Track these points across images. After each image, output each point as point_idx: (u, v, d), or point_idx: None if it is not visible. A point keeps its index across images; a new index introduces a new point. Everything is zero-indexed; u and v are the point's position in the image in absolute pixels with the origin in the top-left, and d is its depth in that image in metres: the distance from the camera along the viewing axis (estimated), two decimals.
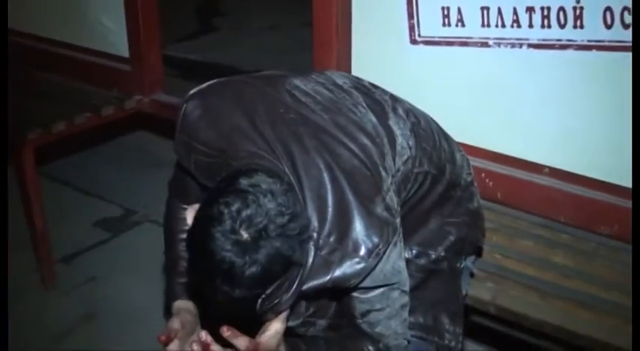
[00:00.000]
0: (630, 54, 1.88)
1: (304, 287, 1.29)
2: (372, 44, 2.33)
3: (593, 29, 1.95)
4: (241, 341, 1.26)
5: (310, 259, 1.28)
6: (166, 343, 1.45)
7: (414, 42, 2.24)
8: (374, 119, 1.46)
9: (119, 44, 3.00)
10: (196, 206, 1.26)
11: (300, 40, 2.49)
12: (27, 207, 2.85)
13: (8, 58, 2.72)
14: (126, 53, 2.99)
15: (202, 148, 1.41)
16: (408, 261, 1.48)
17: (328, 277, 1.30)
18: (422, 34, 2.23)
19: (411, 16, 2.21)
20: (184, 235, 1.58)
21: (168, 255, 1.65)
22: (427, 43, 2.23)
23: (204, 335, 1.26)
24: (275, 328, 1.32)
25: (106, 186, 3.57)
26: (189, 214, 1.27)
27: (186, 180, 1.55)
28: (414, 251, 1.57)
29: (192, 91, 1.48)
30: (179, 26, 3.66)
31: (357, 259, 1.30)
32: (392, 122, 1.48)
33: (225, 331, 1.24)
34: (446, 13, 2.16)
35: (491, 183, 2.17)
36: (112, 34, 3.01)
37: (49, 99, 2.98)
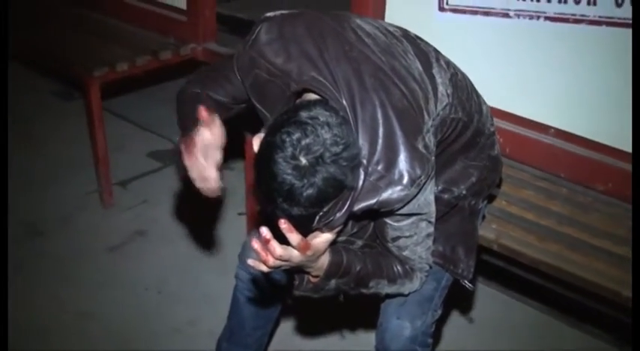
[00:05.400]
0: None
1: (355, 208, 1.29)
2: (404, 9, 2.27)
3: (605, 7, 1.90)
4: (295, 237, 1.24)
5: (360, 183, 1.27)
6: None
7: (442, 9, 2.19)
8: (420, 67, 1.43)
9: None
10: (261, 135, 1.26)
11: (339, 3, 2.45)
12: (91, 135, 2.86)
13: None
14: (184, 6, 2.94)
15: (268, 65, 1.38)
16: (434, 196, 1.46)
17: (375, 200, 1.30)
18: (450, 2, 2.17)
19: None
20: (203, 99, 1.51)
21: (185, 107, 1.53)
22: (454, 10, 2.17)
23: (265, 231, 1.20)
24: (327, 236, 1.31)
25: (160, 122, 3.55)
26: (255, 142, 1.27)
27: (223, 83, 1.52)
28: (439, 187, 1.55)
29: (269, 14, 1.44)
30: None
31: (400, 187, 1.29)
32: (435, 71, 1.45)
33: (283, 224, 1.20)
34: None
35: (502, 139, 2.13)
36: None
37: (115, 42, 2.95)
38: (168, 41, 2.96)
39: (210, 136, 1.36)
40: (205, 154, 1.37)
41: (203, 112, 1.33)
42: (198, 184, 1.38)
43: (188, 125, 1.44)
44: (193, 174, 1.37)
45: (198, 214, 2.84)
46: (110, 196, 2.93)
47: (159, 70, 3.00)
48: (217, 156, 1.39)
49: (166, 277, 2.55)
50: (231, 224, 2.82)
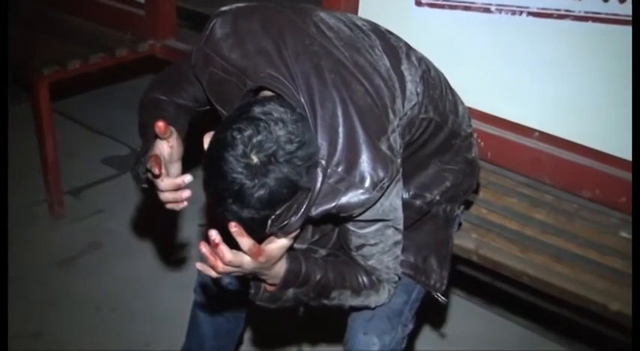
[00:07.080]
0: (624, 27, 1.83)
1: (312, 212, 1.26)
2: (378, 3, 2.24)
3: (591, 1, 1.88)
4: (246, 241, 1.21)
5: (318, 185, 1.24)
6: (158, 175, 1.30)
7: (418, 4, 2.17)
8: (387, 63, 1.40)
9: None
10: (212, 133, 1.24)
11: (306, 2, 2.45)
12: (40, 139, 2.78)
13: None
14: None
15: (223, 63, 1.36)
16: (405, 202, 1.45)
17: (334, 204, 1.27)
18: None
19: None
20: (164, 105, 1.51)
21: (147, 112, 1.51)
22: (432, 5, 2.15)
23: (214, 234, 1.18)
24: (282, 242, 1.28)
25: (115, 126, 3.50)
26: (206, 140, 1.24)
27: (184, 85, 1.51)
28: (411, 192, 1.53)
29: (223, 9, 1.41)
30: None
31: (361, 190, 1.27)
32: (404, 68, 1.42)
33: (233, 227, 1.18)
34: None
35: (482, 143, 2.12)
36: None
37: (66, 38, 2.89)
38: (124, 37, 2.91)
39: (168, 149, 1.36)
40: (166, 168, 1.35)
41: (160, 125, 1.30)
42: (170, 201, 1.35)
43: (148, 134, 1.42)
44: (168, 195, 1.34)
45: (156, 225, 2.79)
46: (60, 206, 2.87)
47: (114, 68, 2.95)
48: (177, 169, 1.38)
49: (121, 293, 2.49)
50: (192, 236, 2.77)
